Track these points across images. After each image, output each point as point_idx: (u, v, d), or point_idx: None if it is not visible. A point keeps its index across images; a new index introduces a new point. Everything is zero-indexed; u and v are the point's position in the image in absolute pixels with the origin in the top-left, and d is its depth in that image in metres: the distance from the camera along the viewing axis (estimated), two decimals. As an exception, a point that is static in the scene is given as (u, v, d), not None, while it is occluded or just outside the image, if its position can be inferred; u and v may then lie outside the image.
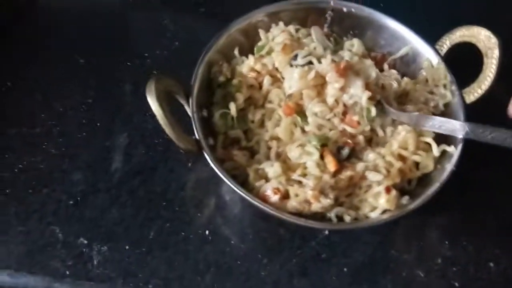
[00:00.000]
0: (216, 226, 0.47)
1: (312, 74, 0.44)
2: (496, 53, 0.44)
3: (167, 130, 0.41)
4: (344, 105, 0.45)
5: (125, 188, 0.48)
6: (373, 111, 0.44)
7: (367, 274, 0.45)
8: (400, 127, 0.44)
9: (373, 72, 0.45)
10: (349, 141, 0.44)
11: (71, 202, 0.47)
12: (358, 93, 0.43)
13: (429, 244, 0.46)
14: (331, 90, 0.45)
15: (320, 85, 0.46)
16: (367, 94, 0.43)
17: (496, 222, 0.48)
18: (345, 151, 0.44)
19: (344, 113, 0.45)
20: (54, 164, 0.50)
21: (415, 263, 0.45)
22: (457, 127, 0.42)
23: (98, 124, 0.53)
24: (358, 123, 0.44)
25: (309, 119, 0.45)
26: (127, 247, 0.45)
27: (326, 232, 0.46)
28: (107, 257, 0.44)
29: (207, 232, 0.46)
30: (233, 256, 0.45)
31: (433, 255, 0.46)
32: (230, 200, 0.48)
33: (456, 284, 0.45)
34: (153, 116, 0.52)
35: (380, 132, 0.45)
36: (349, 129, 0.45)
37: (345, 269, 0.45)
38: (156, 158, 0.51)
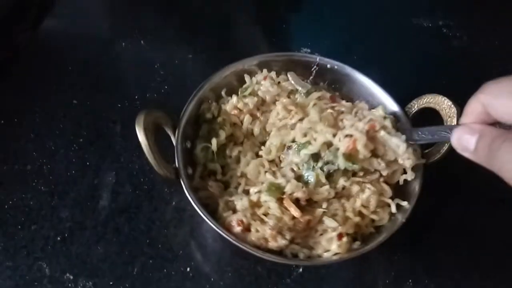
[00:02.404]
0: (197, 263, 0.50)
1: None
2: (454, 121, 0.47)
3: (149, 157, 0.45)
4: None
5: (111, 225, 0.51)
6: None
7: (338, 310, 0.48)
8: (367, 185, 0.48)
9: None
10: (302, 195, 0.46)
11: (58, 239, 0.50)
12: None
13: (394, 283, 0.50)
14: None
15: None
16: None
17: (454, 262, 0.52)
18: (303, 202, 0.47)
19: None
20: (43, 201, 0.52)
21: (382, 300, 0.49)
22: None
23: (88, 163, 0.56)
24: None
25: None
26: (111, 283, 0.47)
27: (300, 270, 0.50)
28: (92, 292, 0.47)
29: (188, 269, 0.49)
30: (212, 292, 0.48)
31: (398, 293, 0.49)
32: (211, 239, 0.51)
33: (419, 320, 0.48)
34: (140, 156, 0.57)
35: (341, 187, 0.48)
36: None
37: (317, 305, 0.48)
38: (142, 196, 0.54)
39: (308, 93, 0.54)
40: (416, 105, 0.51)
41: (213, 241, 0.51)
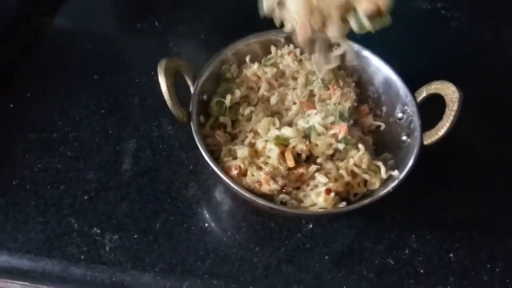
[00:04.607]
0: (214, 220, 0.53)
1: None
2: (455, 106, 0.50)
3: (165, 96, 0.49)
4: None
5: (134, 186, 0.55)
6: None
7: (346, 261, 0.51)
8: (360, 145, 0.52)
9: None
10: (304, 148, 0.50)
11: (85, 197, 0.53)
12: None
13: (398, 237, 0.53)
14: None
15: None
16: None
17: (455, 219, 0.55)
18: (302, 157, 0.51)
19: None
20: (70, 164, 0.56)
21: (387, 253, 0.52)
22: None
23: (110, 131, 0.59)
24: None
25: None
26: (135, 236, 0.51)
27: (310, 226, 0.53)
28: (118, 244, 0.50)
29: (206, 224, 0.53)
30: (229, 245, 0.51)
31: (401, 246, 0.53)
32: (226, 198, 0.55)
33: (421, 271, 0.51)
34: (158, 126, 0.61)
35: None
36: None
37: (326, 257, 0.51)
38: (161, 161, 0.57)
39: (323, 81, 0.56)
40: (424, 91, 0.54)
41: (229, 200, 0.55)
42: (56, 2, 0.75)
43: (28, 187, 0.54)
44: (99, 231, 0.51)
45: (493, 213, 0.57)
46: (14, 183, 0.54)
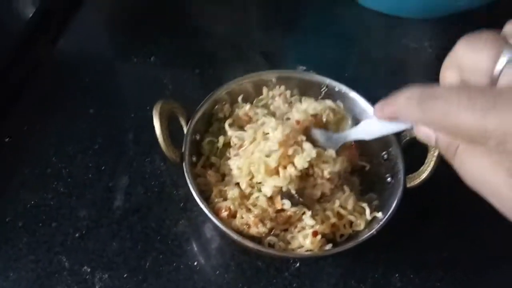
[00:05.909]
0: (203, 258, 0.55)
1: None
2: (437, 152, 0.52)
3: (159, 138, 0.50)
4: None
5: (125, 223, 0.56)
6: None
7: (331, 301, 0.53)
8: (345, 187, 0.54)
9: None
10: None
11: (77, 235, 0.54)
12: None
13: (382, 276, 0.55)
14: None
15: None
16: None
17: (437, 259, 0.57)
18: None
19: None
20: (62, 201, 0.57)
21: (371, 292, 0.54)
22: None
23: (103, 167, 0.61)
24: None
25: None
26: (125, 275, 0.52)
27: (298, 264, 0.55)
28: (107, 283, 0.51)
29: (195, 263, 0.54)
30: (218, 284, 0.52)
31: (385, 285, 0.54)
32: (215, 236, 0.56)
33: (405, 311, 0.53)
34: (151, 161, 0.62)
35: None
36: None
37: (312, 297, 0.53)
38: (153, 198, 0.59)
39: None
40: (408, 134, 0.55)
41: (218, 238, 0.56)
42: (56, 34, 0.77)
43: (20, 224, 0.55)
44: (89, 269, 0.52)
45: (474, 252, 0.58)
46: (7, 220, 0.55)
